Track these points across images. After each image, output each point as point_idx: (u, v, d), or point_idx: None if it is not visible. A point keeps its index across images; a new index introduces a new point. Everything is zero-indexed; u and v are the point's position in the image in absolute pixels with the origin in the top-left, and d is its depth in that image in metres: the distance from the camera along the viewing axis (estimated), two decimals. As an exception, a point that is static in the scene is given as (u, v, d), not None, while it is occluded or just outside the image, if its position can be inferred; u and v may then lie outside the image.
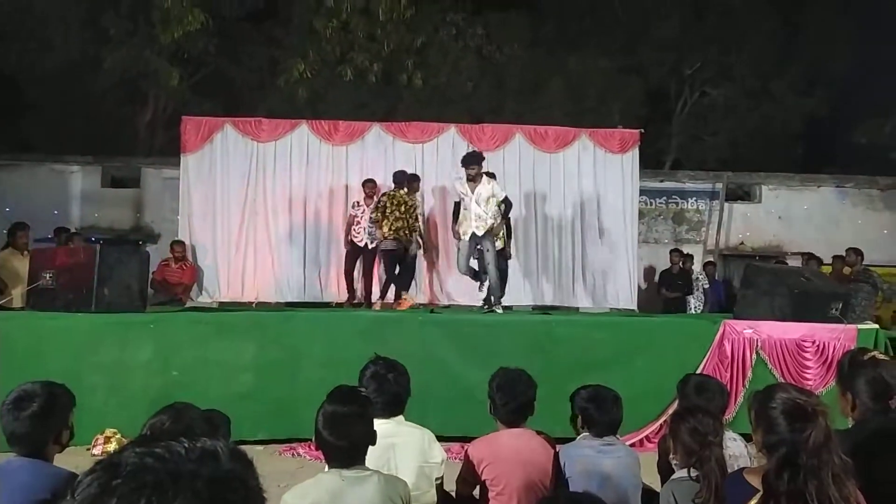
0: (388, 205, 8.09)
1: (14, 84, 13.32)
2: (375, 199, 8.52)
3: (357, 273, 8.89)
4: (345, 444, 2.36)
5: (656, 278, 11.47)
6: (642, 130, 10.23)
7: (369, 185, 8.80)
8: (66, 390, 2.64)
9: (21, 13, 12.57)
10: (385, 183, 9.04)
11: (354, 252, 8.79)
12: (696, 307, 10.51)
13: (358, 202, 8.86)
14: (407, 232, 8.18)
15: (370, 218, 8.45)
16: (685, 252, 11.09)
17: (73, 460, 2.81)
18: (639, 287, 10.81)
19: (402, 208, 8.14)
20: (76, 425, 2.68)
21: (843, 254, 9.31)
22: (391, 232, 8.01)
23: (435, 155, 9.72)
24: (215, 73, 15.39)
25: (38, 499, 2.24)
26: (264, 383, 5.67)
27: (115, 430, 5.29)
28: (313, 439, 2.42)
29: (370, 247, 8.64)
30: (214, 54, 14.49)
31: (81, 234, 9.73)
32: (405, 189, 8.40)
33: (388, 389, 2.96)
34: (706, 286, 10.75)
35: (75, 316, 5.58)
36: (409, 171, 9.15)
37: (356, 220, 8.76)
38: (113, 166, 11.89)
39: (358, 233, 8.74)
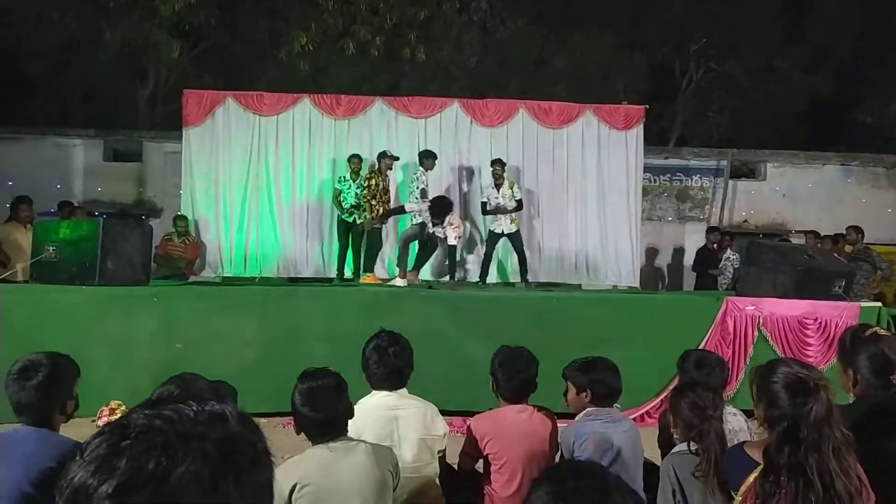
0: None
1: (15, 59, 13.21)
2: (362, 174, 8.68)
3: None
4: (325, 417, 2.40)
5: (668, 257, 11.38)
6: (647, 107, 10.16)
7: (354, 160, 8.78)
8: (71, 361, 2.65)
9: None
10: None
11: (343, 228, 8.80)
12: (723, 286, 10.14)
13: (344, 177, 8.84)
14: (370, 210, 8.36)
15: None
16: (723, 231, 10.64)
17: (79, 432, 2.82)
18: (642, 266, 10.84)
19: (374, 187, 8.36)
20: (81, 397, 2.69)
21: (844, 232, 9.30)
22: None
23: (438, 130, 9.67)
24: (216, 45, 15.24)
25: (44, 467, 2.25)
26: (267, 357, 5.70)
27: (119, 402, 5.33)
28: (293, 422, 2.44)
29: (358, 221, 8.65)
30: (215, 26, 14.33)
31: (84, 208, 9.71)
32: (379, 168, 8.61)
33: (389, 362, 2.98)
34: (736, 266, 10.26)
35: (79, 289, 5.60)
36: (411, 145, 9.22)
37: (340, 194, 8.73)
38: (115, 140, 11.84)
39: (345, 208, 8.74)
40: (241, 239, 9.44)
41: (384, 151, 8.77)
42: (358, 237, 8.71)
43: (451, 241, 7.70)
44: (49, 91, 14.15)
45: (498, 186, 8.58)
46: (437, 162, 8.55)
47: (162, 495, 0.73)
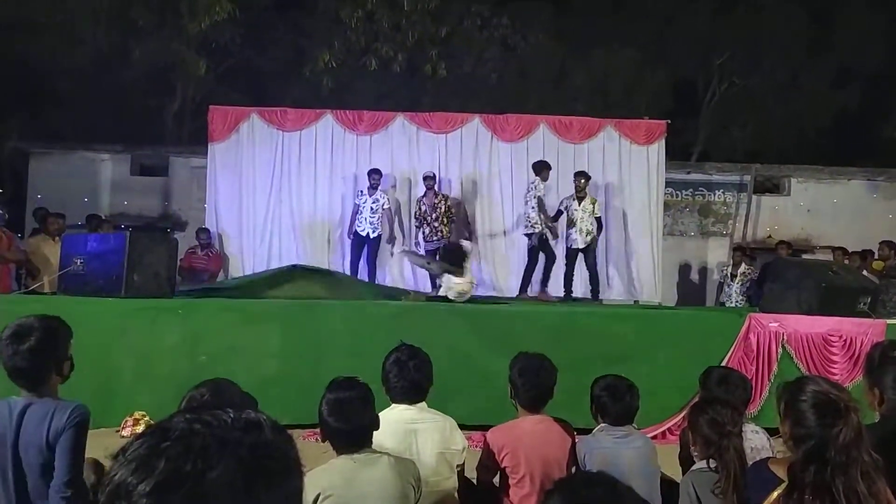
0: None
1: (46, 76, 13.54)
2: (379, 189, 8.93)
3: (362, 262, 8.99)
4: (351, 428, 2.41)
5: (691, 273, 11.29)
6: (669, 121, 10.13)
7: (374, 175, 8.89)
8: (62, 322, 2.60)
9: (52, 7, 12.77)
10: (409, 168, 9.35)
11: (359, 242, 8.88)
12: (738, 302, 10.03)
13: (362, 191, 8.96)
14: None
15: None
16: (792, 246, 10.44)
17: (103, 442, 2.87)
18: (676, 283, 10.78)
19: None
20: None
21: (870, 248, 9.16)
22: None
23: (458, 145, 9.72)
24: (241, 62, 15.51)
25: (46, 430, 2.34)
26: (289, 370, 5.73)
27: (143, 413, 5.39)
28: (320, 431, 2.47)
29: (371, 236, 8.78)
30: (241, 44, 14.60)
31: (111, 222, 9.89)
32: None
33: (409, 376, 2.99)
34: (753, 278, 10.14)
35: (105, 301, 5.68)
36: (433, 160, 9.34)
37: (360, 209, 8.85)
38: (142, 155, 12.06)
39: (360, 223, 8.83)
40: (264, 252, 9.55)
41: (426, 174, 9.03)
42: (373, 252, 8.83)
43: (451, 295, 6.64)
44: (78, 107, 14.45)
45: (580, 199, 8.54)
46: (460, 177, 8.73)
47: (197, 496, 0.77)
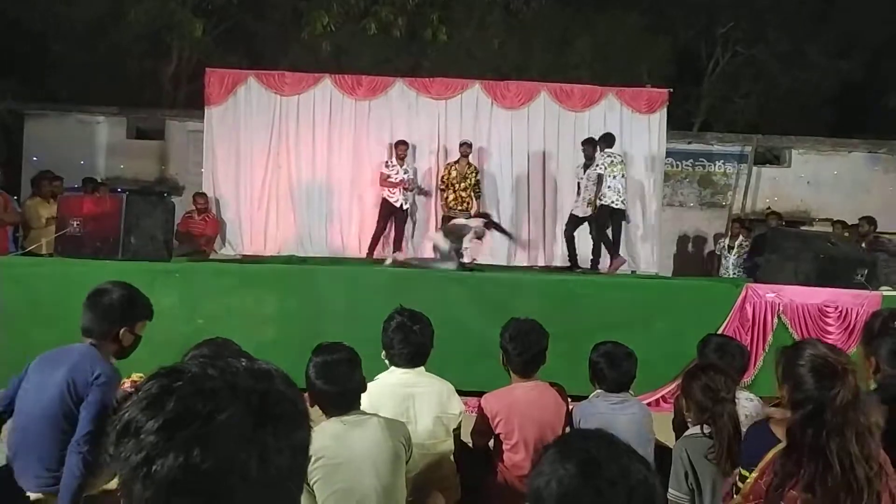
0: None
1: (40, 38, 13.33)
2: (407, 159, 8.90)
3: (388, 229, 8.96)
4: (339, 389, 2.43)
5: (689, 243, 11.29)
6: (671, 90, 10.03)
7: (402, 146, 8.83)
8: (144, 300, 2.90)
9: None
10: (409, 139, 9.23)
11: (387, 210, 8.83)
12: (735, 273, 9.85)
13: (389, 162, 8.89)
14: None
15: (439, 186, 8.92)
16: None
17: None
18: (673, 254, 10.76)
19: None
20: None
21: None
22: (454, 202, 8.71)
23: (459, 111, 9.63)
24: (239, 25, 15.27)
25: (79, 377, 2.62)
26: (286, 334, 5.75)
27: (141, 375, 5.37)
28: (308, 395, 2.48)
29: (404, 208, 8.77)
30: (238, 6, 14.35)
31: (107, 185, 9.83)
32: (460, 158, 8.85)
33: (414, 340, 3.00)
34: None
35: (102, 263, 5.67)
36: (431, 127, 9.24)
37: (388, 178, 8.79)
38: (138, 118, 11.95)
39: (393, 192, 8.78)
40: (261, 217, 9.51)
41: (463, 140, 8.97)
42: (401, 222, 8.84)
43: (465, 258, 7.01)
44: (74, 69, 14.27)
45: (586, 167, 8.43)
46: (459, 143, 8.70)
47: (205, 435, 0.78)
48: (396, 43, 14.17)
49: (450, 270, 6.51)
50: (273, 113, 9.52)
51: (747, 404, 3.09)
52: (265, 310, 5.84)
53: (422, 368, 3.07)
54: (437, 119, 9.57)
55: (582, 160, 8.56)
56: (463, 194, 8.78)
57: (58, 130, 11.48)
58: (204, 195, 9.19)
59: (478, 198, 9.00)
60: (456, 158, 8.99)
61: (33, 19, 12.70)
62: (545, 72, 13.51)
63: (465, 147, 8.88)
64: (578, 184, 8.61)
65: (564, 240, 8.73)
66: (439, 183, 9.13)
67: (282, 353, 5.64)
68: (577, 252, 8.55)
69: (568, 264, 8.62)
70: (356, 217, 9.55)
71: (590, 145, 8.42)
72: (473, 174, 8.89)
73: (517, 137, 9.57)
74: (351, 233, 9.55)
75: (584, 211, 8.42)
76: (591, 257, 8.47)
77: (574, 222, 8.55)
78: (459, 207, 8.74)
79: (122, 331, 2.78)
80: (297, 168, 9.56)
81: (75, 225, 5.82)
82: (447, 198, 8.86)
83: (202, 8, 13.90)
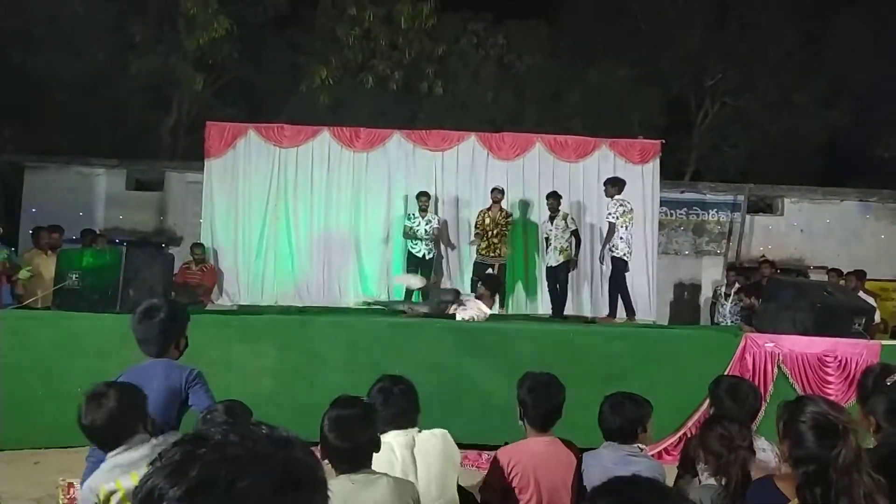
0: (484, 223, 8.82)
1: (42, 88, 13.55)
2: (430, 211, 9.03)
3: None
4: (351, 446, 2.39)
5: (685, 291, 11.31)
6: (663, 141, 10.20)
7: (423, 197, 8.92)
8: (185, 307, 3.33)
9: (50, 20, 12.80)
10: (407, 190, 9.38)
11: (415, 263, 8.91)
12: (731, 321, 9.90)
13: (412, 214, 8.97)
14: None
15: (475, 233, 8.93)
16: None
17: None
18: (670, 301, 10.76)
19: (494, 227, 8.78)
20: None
21: (864, 269, 9.20)
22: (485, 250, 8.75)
23: (455, 163, 9.76)
24: (238, 78, 15.57)
25: (170, 387, 2.97)
26: (285, 386, 5.71)
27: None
28: (320, 449, 2.45)
29: (427, 257, 8.86)
30: (238, 60, 14.66)
31: (105, 236, 9.85)
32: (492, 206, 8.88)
33: (395, 402, 2.96)
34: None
35: (101, 316, 5.65)
36: (428, 178, 9.35)
37: (412, 231, 8.88)
38: (137, 170, 12.05)
39: (416, 244, 8.85)
40: (259, 268, 9.52)
41: (494, 186, 9.02)
42: (428, 272, 8.89)
43: (459, 315, 6.69)
44: (74, 120, 14.47)
45: (552, 219, 8.60)
46: (456, 195, 8.76)
47: (226, 502, 0.79)
48: (393, 96, 14.46)
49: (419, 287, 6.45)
50: (272, 164, 9.62)
51: (761, 455, 3.04)
52: (264, 362, 5.82)
53: (416, 430, 3.01)
54: (433, 170, 9.68)
55: (547, 214, 8.73)
56: (495, 240, 8.79)
57: (57, 182, 11.56)
58: (201, 245, 9.21)
59: (505, 243, 8.93)
60: (488, 205, 8.99)
61: (35, 70, 12.93)
62: (538, 123, 13.76)
63: (497, 193, 8.88)
64: (547, 238, 8.72)
65: (548, 292, 8.85)
66: (475, 229, 9.07)
67: (280, 404, 5.61)
68: (564, 300, 8.70)
69: (561, 316, 8.63)
70: (353, 266, 9.57)
71: (554, 199, 8.63)
72: (505, 220, 8.89)
73: (512, 188, 9.68)
74: (348, 282, 9.55)
75: (556, 260, 8.54)
76: (608, 311, 8.34)
77: (552, 275, 8.66)
78: (492, 254, 8.77)
79: (179, 339, 3.17)
80: (295, 219, 9.61)
81: (74, 278, 5.82)
82: (479, 246, 8.85)
83: (202, 62, 14.18)
